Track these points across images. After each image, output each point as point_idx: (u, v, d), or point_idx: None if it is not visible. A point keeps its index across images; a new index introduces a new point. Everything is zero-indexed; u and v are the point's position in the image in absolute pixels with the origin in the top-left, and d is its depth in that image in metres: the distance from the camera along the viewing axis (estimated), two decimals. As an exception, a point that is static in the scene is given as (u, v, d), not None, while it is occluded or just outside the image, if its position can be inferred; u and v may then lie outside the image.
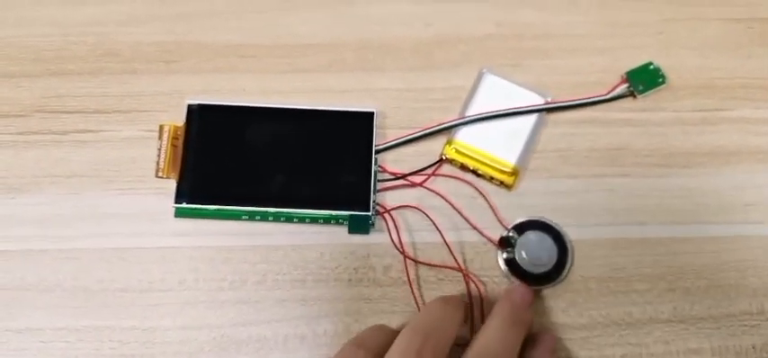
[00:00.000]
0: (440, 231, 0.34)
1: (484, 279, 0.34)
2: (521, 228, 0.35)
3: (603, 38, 0.40)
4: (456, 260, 0.34)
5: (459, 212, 0.35)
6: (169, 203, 0.34)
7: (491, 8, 0.40)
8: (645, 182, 0.36)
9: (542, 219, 0.35)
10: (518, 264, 0.34)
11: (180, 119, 0.36)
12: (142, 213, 0.35)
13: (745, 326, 0.34)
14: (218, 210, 0.34)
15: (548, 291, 0.34)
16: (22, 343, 0.32)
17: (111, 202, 0.35)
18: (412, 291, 0.34)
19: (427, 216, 0.35)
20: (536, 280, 0.34)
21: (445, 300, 0.30)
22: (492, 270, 0.34)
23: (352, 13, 0.40)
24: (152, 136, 0.36)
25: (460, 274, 0.34)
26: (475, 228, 0.35)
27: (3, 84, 0.38)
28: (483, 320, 0.32)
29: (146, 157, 0.36)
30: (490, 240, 0.35)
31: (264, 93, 0.38)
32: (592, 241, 0.35)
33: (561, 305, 0.34)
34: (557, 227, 0.35)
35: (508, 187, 0.36)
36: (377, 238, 0.35)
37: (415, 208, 0.35)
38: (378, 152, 0.36)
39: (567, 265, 0.34)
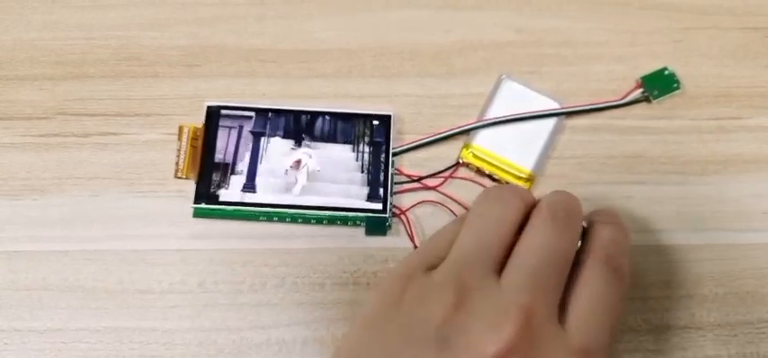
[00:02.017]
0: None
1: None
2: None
3: (622, 45, 0.40)
4: None
5: None
6: (189, 206, 0.34)
7: (511, 15, 0.41)
8: (662, 189, 0.36)
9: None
10: None
11: (200, 122, 0.36)
12: (162, 216, 0.35)
13: (763, 333, 0.33)
14: (236, 210, 0.34)
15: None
16: (44, 343, 0.33)
17: (131, 204, 0.35)
18: None
19: (446, 207, 0.35)
20: None
21: (501, 190, 0.29)
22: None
23: (372, 19, 0.40)
24: (173, 139, 0.36)
25: None
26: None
27: (26, 86, 0.38)
28: None
29: (166, 160, 0.36)
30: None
31: (285, 97, 0.38)
32: None
33: (579, 311, 0.34)
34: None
35: None
36: (395, 243, 0.35)
37: (432, 202, 0.35)
38: (395, 154, 0.36)
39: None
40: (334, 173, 0.35)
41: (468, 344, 0.24)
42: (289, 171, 0.35)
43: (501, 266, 0.27)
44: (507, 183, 0.36)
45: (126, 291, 0.34)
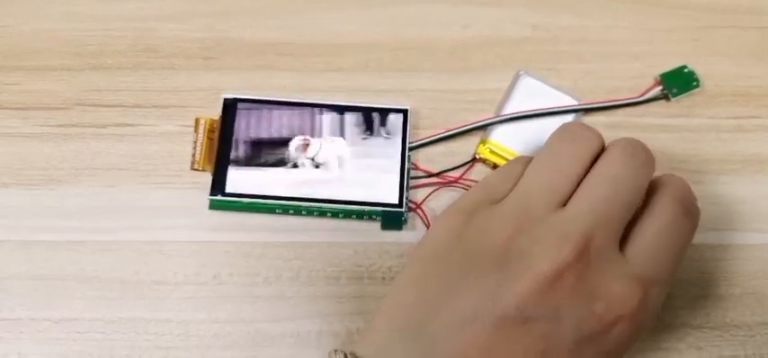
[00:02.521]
0: None
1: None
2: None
3: (640, 43, 0.40)
4: None
5: None
6: (205, 197, 0.34)
7: (528, 11, 0.41)
8: None
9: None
10: None
11: (217, 114, 0.36)
12: (178, 207, 0.35)
13: (780, 334, 0.33)
14: (252, 202, 0.34)
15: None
16: (60, 332, 0.33)
17: (148, 196, 0.35)
18: None
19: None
20: None
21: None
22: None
23: (390, 14, 0.40)
24: (189, 131, 0.36)
25: None
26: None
27: (44, 77, 0.38)
28: None
29: (183, 152, 0.36)
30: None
31: (301, 90, 0.38)
32: None
33: (594, 309, 0.34)
34: None
35: None
36: (410, 237, 0.35)
37: (448, 193, 0.35)
38: (411, 149, 0.36)
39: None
40: (349, 166, 0.35)
41: (528, 264, 0.25)
42: (295, 151, 0.35)
43: (568, 201, 0.27)
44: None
45: (141, 282, 0.34)
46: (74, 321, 0.33)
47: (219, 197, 0.34)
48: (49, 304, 0.33)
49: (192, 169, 0.34)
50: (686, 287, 0.34)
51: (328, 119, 0.36)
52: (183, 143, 0.36)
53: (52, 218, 0.35)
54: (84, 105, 0.38)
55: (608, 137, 0.36)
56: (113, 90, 0.38)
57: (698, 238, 0.34)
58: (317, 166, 0.35)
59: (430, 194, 0.35)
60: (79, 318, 0.33)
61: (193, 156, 0.34)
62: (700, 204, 0.35)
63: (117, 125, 0.37)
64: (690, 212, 0.28)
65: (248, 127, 0.35)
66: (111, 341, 0.33)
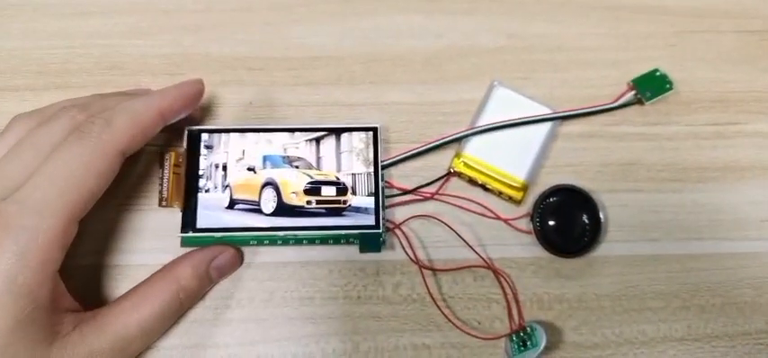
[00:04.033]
0: (456, 232, 0.34)
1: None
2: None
3: (616, 50, 0.39)
4: (481, 256, 0.34)
5: (469, 226, 0.35)
6: (174, 219, 0.33)
7: (503, 20, 0.40)
8: (658, 197, 0.36)
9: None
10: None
11: (182, 147, 0.35)
12: (147, 229, 0.34)
13: (761, 344, 0.33)
14: (226, 236, 0.33)
15: (559, 309, 0.33)
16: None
17: (116, 219, 0.34)
18: (434, 302, 0.33)
19: (442, 221, 0.34)
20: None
21: None
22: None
23: (362, 25, 0.40)
24: (157, 151, 0.35)
25: (479, 278, 0.34)
26: (474, 249, 0.34)
27: (7, 97, 0.37)
28: (520, 315, 0.32)
29: (151, 173, 0.35)
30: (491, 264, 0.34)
31: (271, 106, 0.37)
32: (604, 259, 0.34)
33: (573, 324, 0.33)
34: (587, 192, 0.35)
35: (517, 203, 0.35)
36: (387, 255, 0.34)
37: (427, 216, 0.35)
38: (384, 167, 0.35)
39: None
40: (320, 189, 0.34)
41: None
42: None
43: None
44: (500, 193, 0.35)
45: None
46: (41, 350, 0.32)
47: (190, 233, 0.33)
48: (14, 333, 0.32)
49: (161, 206, 0.32)
50: (667, 298, 0.34)
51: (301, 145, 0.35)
52: (151, 164, 0.35)
53: (16, 244, 0.34)
54: (49, 126, 0.36)
55: (584, 147, 0.37)
56: (78, 110, 0.37)
57: (679, 249, 0.34)
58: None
59: (409, 218, 0.35)
60: (47, 347, 0.32)
61: (160, 192, 0.32)
62: (679, 214, 0.35)
63: (82, 146, 0.36)
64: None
65: (215, 157, 0.34)
66: (79, 369, 0.32)
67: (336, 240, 0.34)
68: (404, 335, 0.33)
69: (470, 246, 0.34)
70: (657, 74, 0.38)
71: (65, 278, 0.32)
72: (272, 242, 0.34)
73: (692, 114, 0.38)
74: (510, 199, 0.35)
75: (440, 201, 0.35)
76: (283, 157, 0.35)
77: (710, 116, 0.38)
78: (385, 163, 0.35)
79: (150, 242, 0.34)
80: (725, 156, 0.37)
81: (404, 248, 0.34)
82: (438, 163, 0.36)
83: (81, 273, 0.33)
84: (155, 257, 0.33)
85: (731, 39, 0.40)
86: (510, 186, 0.35)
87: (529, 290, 0.34)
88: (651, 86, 0.38)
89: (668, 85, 0.38)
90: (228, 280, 0.34)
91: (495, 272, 0.34)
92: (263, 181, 0.34)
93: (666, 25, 0.40)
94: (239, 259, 0.34)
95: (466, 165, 0.35)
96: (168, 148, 0.33)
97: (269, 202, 0.34)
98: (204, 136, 0.34)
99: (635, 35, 0.40)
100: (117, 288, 0.33)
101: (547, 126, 0.36)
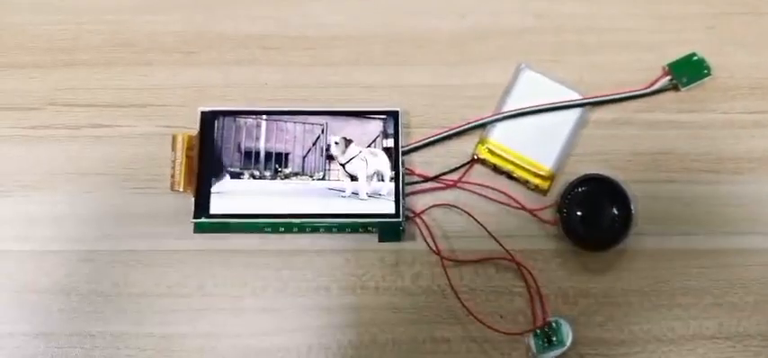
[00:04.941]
0: (479, 223, 0.33)
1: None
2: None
3: (650, 32, 0.38)
4: (504, 247, 0.33)
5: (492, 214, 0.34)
6: (187, 203, 0.32)
7: (531, -1, 0.39)
8: (691, 188, 0.35)
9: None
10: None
11: (198, 115, 0.34)
12: (159, 214, 0.34)
13: (797, 345, 0.32)
14: (240, 223, 0.32)
15: (584, 304, 0.32)
16: (36, 348, 0.31)
17: (126, 202, 0.34)
18: (455, 294, 0.32)
19: (464, 211, 0.33)
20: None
21: None
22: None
23: (382, 3, 0.38)
24: (169, 132, 0.34)
25: (502, 269, 0.33)
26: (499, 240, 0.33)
27: (14, 75, 0.36)
28: (543, 309, 0.31)
29: (162, 155, 0.34)
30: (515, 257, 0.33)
31: (287, 87, 0.36)
32: (633, 252, 0.33)
33: (599, 319, 0.32)
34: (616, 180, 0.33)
35: (543, 192, 0.34)
36: (406, 245, 0.33)
37: (449, 205, 0.34)
38: (405, 153, 0.34)
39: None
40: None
41: None
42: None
43: None
44: (526, 182, 0.34)
45: (121, 295, 0.32)
46: (51, 336, 0.32)
47: (204, 219, 0.32)
48: (24, 318, 0.32)
49: (173, 191, 0.31)
50: (698, 295, 0.33)
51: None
52: (163, 145, 0.34)
53: (25, 227, 0.33)
54: (58, 105, 0.36)
55: (615, 134, 0.35)
56: (88, 88, 0.36)
57: (711, 243, 0.33)
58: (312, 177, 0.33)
59: (430, 207, 0.34)
60: (57, 333, 0.32)
61: (172, 176, 0.32)
62: (714, 207, 0.34)
63: (92, 126, 0.35)
64: None
65: (229, 140, 0.33)
66: (90, 356, 0.31)
67: (354, 228, 0.33)
68: (423, 327, 0.32)
69: (494, 237, 0.33)
70: (694, 58, 0.36)
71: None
72: (288, 229, 0.33)
73: (729, 101, 0.36)
74: (536, 188, 0.34)
75: (462, 189, 0.34)
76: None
77: (749, 103, 0.36)
78: (405, 149, 0.34)
79: (163, 227, 0.33)
80: (763, 145, 0.35)
81: (424, 238, 0.33)
82: (461, 149, 0.35)
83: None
84: (168, 243, 0.33)
85: (773, 21, 0.38)
86: (536, 175, 0.34)
87: (553, 284, 0.33)
88: (687, 71, 0.36)
89: (706, 71, 0.36)
90: (241, 267, 0.33)
91: (519, 265, 0.33)
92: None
93: (704, 6, 0.38)
94: None
95: (490, 151, 0.34)
96: (180, 131, 0.33)
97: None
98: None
99: (671, 16, 0.38)
100: (129, 274, 0.33)
101: (576, 112, 0.35)
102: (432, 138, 0.35)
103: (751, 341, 0.32)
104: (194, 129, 0.33)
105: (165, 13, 0.38)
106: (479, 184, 0.34)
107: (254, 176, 0.33)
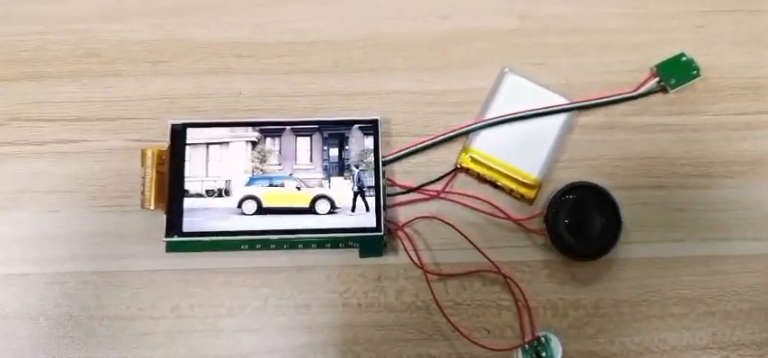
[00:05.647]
0: (464, 234, 0.32)
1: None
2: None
3: (638, 32, 0.37)
4: (490, 259, 0.32)
5: (476, 225, 0.33)
6: (159, 221, 0.31)
7: (514, -1, 0.38)
8: (682, 194, 0.34)
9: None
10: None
11: (165, 143, 0.33)
12: (130, 233, 0.33)
13: (792, 353, 0.32)
14: (215, 241, 0.31)
15: (574, 316, 0.32)
16: (3, 376, 0.31)
17: (95, 221, 0.33)
18: (440, 309, 0.31)
19: (448, 223, 0.33)
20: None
21: None
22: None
23: (360, 6, 0.37)
24: (139, 146, 0.33)
25: (488, 282, 0.32)
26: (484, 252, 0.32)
27: (-25, 88, 0.35)
28: (532, 323, 0.31)
29: (133, 170, 0.33)
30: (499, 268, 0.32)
31: (263, 96, 0.35)
32: (623, 261, 0.33)
33: (589, 332, 0.32)
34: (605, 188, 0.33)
35: (529, 201, 0.34)
36: (389, 259, 0.33)
37: (432, 217, 0.33)
38: (385, 163, 0.33)
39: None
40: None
41: None
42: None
43: None
44: (511, 191, 0.33)
45: (92, 318, 0.31)
46: (18, 363, 0.31)
47: (176, 238, 0.31)
48: (-11, 345, 0.31)
49: (143, 208, 0.30)
50: (691, 304, 0.32)
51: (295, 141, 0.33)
52: (133, 159, 0.33)
53: (-11, 249, 0.32)
54: (21, 120, 0.35)
55: (603, 140, 0.35)
56: (53, 102, 0.35)
57: (704, 250, 0.33)
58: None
59: (412, 219, 0.33)
60: (24, 360, 0.31)
61: (142, 193, 0.30)
62: (705, 212, 0.34)
63: (58, 141, 0.34)
64: None
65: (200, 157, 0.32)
66: (61, 383, 0.30)
67: (334, 244, 0.32)
68: (408, 344, 0.31)
69: (479, 249, 0.32)
70: (683, 59, 0.36)
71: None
72: (265, 246, 0.32)
73: (719, 103, 0.36)
74: (522, 197, 0.33)
75: (446, 199, 0.34)
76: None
77: (740, 105, 0.36)
78: (386, 159, 0.34)
79: (134, 247, 0.32)
80: (755, 148, 0.35)
81: (407, 252, 0.32)
82: (444, 158, 0.34)
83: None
84: (140, 263, 0.32)
85: (764, 19, 0.38)
86: (522, 183, 0.33)
87: (542, 296, 0.32)
88: (676, 72, 0.36)
89: (695, 71, 0.36)
90: (218, 286, 0.32)
91: (506, 277, 0.32)
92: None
93: (693, 4, 0.38)
94: None
95: (474, 160, 0.33)
96: (150, 145, 0.32)
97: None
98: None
99: (659, 15, 0.38)
100: (100, 296, 0.32)
101: (562, 117, 0.34)
102: (413, 148, 0.34)
103: (745, 350, 0.32)
104: (165, 142, 0.32)
105: (133, 20, 0.37)
106: (463, 194, 0.33)
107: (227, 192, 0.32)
